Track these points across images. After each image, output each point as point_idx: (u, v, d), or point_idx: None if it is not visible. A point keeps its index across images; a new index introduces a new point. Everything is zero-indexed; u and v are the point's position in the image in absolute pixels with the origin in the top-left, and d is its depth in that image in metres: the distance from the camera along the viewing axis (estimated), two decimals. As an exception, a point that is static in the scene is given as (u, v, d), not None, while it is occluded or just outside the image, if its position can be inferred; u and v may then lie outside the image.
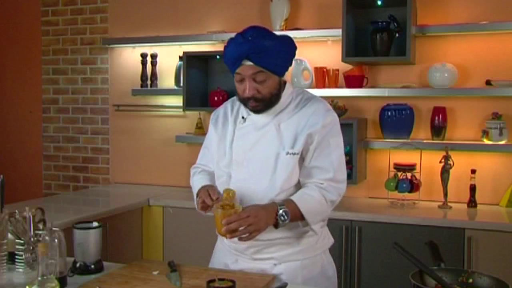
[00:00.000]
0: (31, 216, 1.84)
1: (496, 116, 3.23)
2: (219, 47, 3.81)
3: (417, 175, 3.31)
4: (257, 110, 1.87)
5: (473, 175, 3.24)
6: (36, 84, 4.56)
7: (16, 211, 1.85)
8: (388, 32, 3.35)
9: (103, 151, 4.37)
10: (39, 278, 1.42)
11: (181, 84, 3.81)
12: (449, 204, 3.25)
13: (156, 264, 1.93)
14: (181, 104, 3.79)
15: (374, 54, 3.39)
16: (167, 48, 4.04)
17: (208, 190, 1.82)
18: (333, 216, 3.08)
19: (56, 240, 1.69)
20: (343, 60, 3.36)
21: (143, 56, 4.03)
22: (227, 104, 2.06)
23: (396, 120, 3.42)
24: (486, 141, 3.25)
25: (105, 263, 1.92)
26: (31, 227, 1.82)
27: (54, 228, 1.73)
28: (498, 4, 3.31)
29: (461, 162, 3.29)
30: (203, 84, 3.93)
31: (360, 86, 3.46)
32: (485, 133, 3.26)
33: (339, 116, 3.48)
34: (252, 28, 1.82)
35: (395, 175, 3.33)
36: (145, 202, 3.57)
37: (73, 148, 4.47)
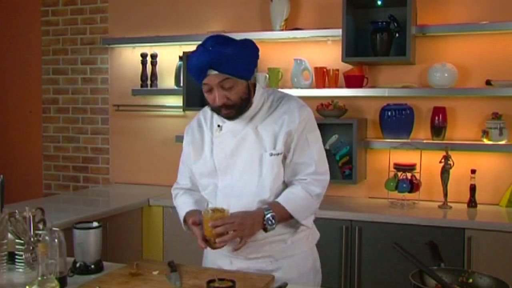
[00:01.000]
0: (31, 216, 1.84)
1: (496, 116, 3.23)
2: (219, 47, 3.81)
3: (417, 175, 3.31)
4: (230, 117, 1.87)
5: (473, 175, 3.24)
6: (36, 84, 4.56)
7: (16, 211, 1.85)
8: (388, 32, 3.35)
9: (103, 151, 4.37)
10: (39, 278, 1.42)
11: (181, 84, 3.81)
12: (449, 204, 3.25)
13: (156, 264, 1.93)
14: (181, 104, 3.79)
15: (374, 54, 3.39)
16: (167, 48, 4.04)
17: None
18: (333, 216, 3.10)
19: (56, 240, 1.69)
20: (343, 60, 3.36)
21: (143, 56, 4.03)
22: (199, 116, 2.07)
23: (396, 120, 3.42)
24: (486, 141, 3.25)
25: (105, 263, 1.92)
26: (31, 227, 1.82)
27: (54, 228, 1.73)
28: (498, 4, 3.31)
29: (461, 162, 3.29)
30: (203, 84, 3.92)
31: (360, 86, 3.46)
32: (485, 133, 3.26)
33: (339, 116, 3.52)
34: (211, 38, 1.82)
35: (395, 175, 3.33)
36: (145, 202, 3.57)
37: (73, 148, 4.47)
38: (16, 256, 1.83)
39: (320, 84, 3.53)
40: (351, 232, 3.07)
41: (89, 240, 1.87)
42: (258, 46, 1.90)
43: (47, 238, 1.68)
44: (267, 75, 3.59)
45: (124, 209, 3.39)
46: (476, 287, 1.58)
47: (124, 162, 4.29)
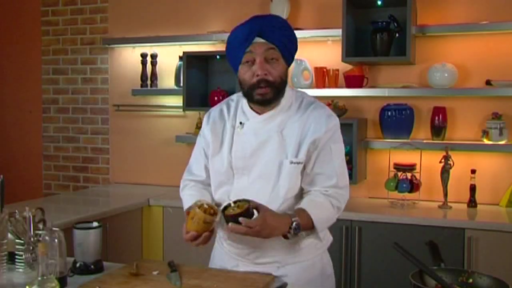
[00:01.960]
0: (31, 216, 1.84)
1: (496, 116, 3.23)
2: (219, 47, 3.81)
3: (417, 175, 3.31)
4: (264, 100, 1.77)
5: (473, 175, 3.25)
6: (36, 84, 4.56)
7: (16, 211, 1.84)
8: (388, 32, 3.35)
9: (103, 151, 4.37)
10: (39, 278, 1.42)
11: (181, 84, 3.81)
12: (449, 204, 3.25)
13: (156, 264, 1.93)
14: (181, 104, 3.79)
15: (374, 54, 3.39)
16: (167, 48, 4.05)
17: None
18: (333, 216, 3.10)
19: (56, 240, 1.69)
20: (343, 60, 3.36)
21: (143, 56, 4.03)
22: (222, 106, 1.94)
23: (396, 120, 3.43)
24: (486, 141, 3.25)
25: (105, 263, 1.92)
26: (31, 227, 1.82)
27: (54, 228, 1.73)
28: (498, 4, 3.31)
29: (461, 162, 3.29)
30: (203, 84, 3.93)
31: (360, 86, 3.46)
32: (485, 133, 3.26)
33: (339, 116, 3.50)
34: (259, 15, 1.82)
35: (395, 175, 3.33)
36: (145, 202, 3.57)
37: (73, 148, 4.47)
38: (16, 256, 1.83)
39: (320, 84, 3.53)
40: (351, 232, 3.07)
41: (89, 240, 1.87)
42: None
43: (47, 238, 1.68)
44: (267, 75, 3.58)
45: (124, 209, 3.39)
46: (476, 287, 1.57)
47: (124, 162, 4.29)
